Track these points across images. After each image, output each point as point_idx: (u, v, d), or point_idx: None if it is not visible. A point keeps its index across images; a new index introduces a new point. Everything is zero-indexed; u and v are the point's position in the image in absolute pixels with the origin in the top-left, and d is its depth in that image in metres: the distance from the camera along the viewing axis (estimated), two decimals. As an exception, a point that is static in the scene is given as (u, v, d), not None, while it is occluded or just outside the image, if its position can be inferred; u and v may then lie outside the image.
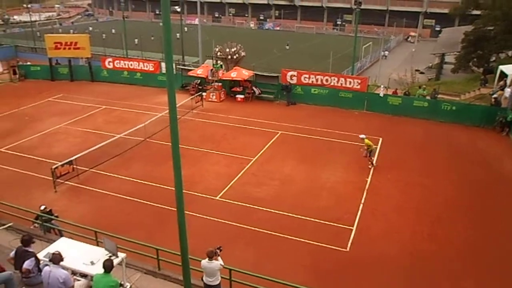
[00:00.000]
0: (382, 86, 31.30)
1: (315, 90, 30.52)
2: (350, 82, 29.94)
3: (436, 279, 13.01)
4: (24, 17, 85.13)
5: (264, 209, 16.77)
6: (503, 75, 31.10)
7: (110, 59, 37.29)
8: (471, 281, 12.98)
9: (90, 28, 77.82)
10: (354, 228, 15.57)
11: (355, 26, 40.68)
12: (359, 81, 29.90)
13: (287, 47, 66.64)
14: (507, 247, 14.64)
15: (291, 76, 31.04)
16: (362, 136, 20.33)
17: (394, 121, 27.46)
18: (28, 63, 40.64)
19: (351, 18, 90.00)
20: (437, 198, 17.77)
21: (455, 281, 13.00)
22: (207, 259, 10.03)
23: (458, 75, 44.37)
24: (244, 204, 17.10)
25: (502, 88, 29.62)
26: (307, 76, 30.95)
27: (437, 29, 79.60)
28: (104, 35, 62.63)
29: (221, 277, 10.39)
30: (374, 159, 20.93)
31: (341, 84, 30.05)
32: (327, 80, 30.45)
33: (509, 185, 19.29)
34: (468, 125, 26.38)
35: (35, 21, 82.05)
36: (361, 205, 17.15)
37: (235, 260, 12.26)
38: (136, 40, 57.00)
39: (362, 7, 41.55)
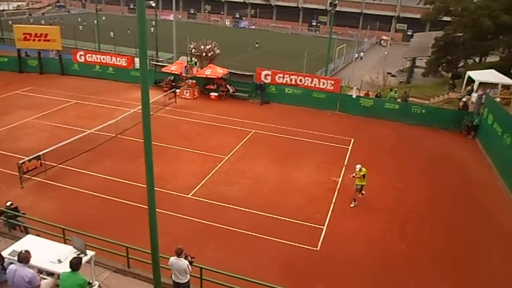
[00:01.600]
0: (354, 87, 31.81)
1: (289, 90, 30.72)
2: (323, 83, 30.27)
3: (404, 278, 13.32)
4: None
5: (236, 207, 16.78)
6: (471, 81, 32.11)
7: (82, 53, 36.49)
8: (438, 279, 13.35)
9: (62, 20, 75.88)
10: (325, 228, 15.76)
11: (330, 27, 41.13)
12: (332, 82, 30.27)
13: (257, 45, 66.97)
14: (474, 247, 15.15)
15: (266, 75, 31.14)
16: (358, 166, 17.10)
17: (365, 122, 27.94)
18: (-5, 53, 39.31)
19: (326, 19, 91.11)
20: (408, 199, 18.19)
21: (424, 279, 13.35)
22: (175, 256, 9.96)
23: (428, 79, 45.59)
24: (216, 203, 17.05)
25: (469, 93, 30.58)
26: (281, 75, 31.12)
27: (409, 33, 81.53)
28: (80, 27, 61.19)
29: (191, 276, 10.33)
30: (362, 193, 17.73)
31: (315, 84, 30.36)
32: (301, 80, 30.70)
33: (476, 186, 19.97)
34: (437, 128, 27.12)
35: (3, 10, 79.48)
36: (332, 205, 17.38)
37: (206, 258, 12.25)
38: (112, 33, 55.98)
39: (337, 9, 42.07)
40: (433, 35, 47.86)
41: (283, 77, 31.05)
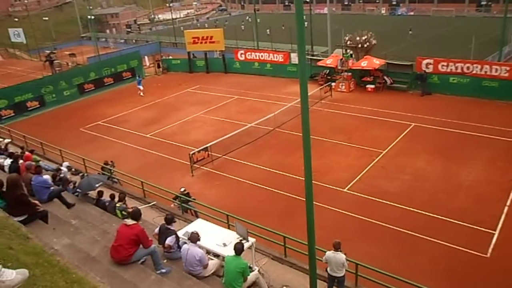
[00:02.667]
0: (536, 73, 27.51)
1: (453, 79, 28.05)
2: (496, 70, 26.85)
3: None
4: (167, 16, 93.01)
5: (394, 204, 15.99)
6: None
7: (242, 51, 38.91)
8: None
9: (226, 22, 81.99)
10: (496, 233, 14.00)
11: (505, 4, 36.22)
12: (508, 68, 26.61)
13: (410, 32, 62.47)
14: None
15: (427, 64, 28.97)
16: None
17: (550, 114, 23.95)
18: (170, 57, 44.51)
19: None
20: None
21: None
22: (332, 250, 9.91)
23: None
24: (373, 198, 16.51)
25: None
26: (445, 64, 28.59)
27: None
28: (243, 27, 64.95)
29: (347, 271, 10.18)
30: None
31: (485, 72, 27.11)
32: (468, 68, 27.76)
33: None
34: None
35: (176, 18, 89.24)
36: (506, 208, 15.34)
37: (362, 254, 11.94)
38: (268, 30, 58.48)
39: (514, -17, 36.86)
40: None
41: (447, 65, 28.48)
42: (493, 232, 14.08)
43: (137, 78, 35.17)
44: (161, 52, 51.35)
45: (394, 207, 15.85)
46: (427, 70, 28.83)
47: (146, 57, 44.56)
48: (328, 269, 10.17)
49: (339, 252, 9.90)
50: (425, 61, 29.10)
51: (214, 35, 38.82)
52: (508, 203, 15.65)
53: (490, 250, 13.27)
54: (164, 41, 64.13)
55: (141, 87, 33.96)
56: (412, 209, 15.60)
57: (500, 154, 19.41)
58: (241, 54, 38.47)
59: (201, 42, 38.74)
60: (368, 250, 13.30)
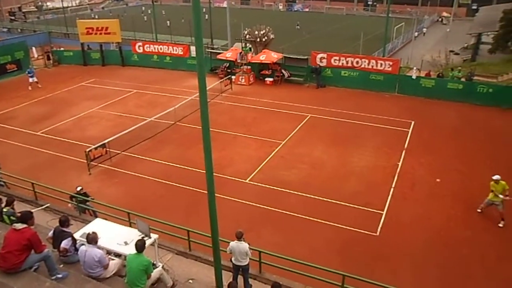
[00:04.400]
0: (414, 68, 30.48)
1: (345, 73, 30.03)
2: (381, 64, 29.28)
3: (470, 266, 12.77)
4: (57, 4, 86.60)
5: (294, 192, 16.77)
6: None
7: (140, 44, 37.64)
8: (507, 267, 12.66)
9: (125, 13, 78.56)
10: (384, 213, 15.41)
11: (387, 5, 39.51)
12: (391, 63, 29.19)
13: (298, 27, 65.98)
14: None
15: (321, 58, 30.61)
16: (496, 177, 14.46)
17: (427, 104, 26.73)
18: (62, 48, 41.54)
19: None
20: (473, 183, 17.27)
21: (491, 267, 12.72)
22: (236, 240, 10.12)
23: (495, 56, 42.70)
24: (274, 187, 17.13)
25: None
26: (337, 58, 30.46)
27: (474, 7, 76.53)
28: (145, 17, 62.48)
29: (250, 259, 10.48)
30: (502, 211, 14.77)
31: (372, 66, 29.45)
32: (357, 62, 29.90)
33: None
34: (505, 108, 25.44)
35: (67, 7, 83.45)
36: (392, 190, 16.92)
37: (265, 242, 12.38)
38: (168, 22, 57.22)
39: (395, -14, 40.22)
40: (501, 7, 44.63)
41: (339, 60, 30.37)
42: (381, 212, 15.44)
43: (29, 69, 32.16)
44: (51, 43, 47.66)
45: (293, 195, 16.61)
46: (321, 64, 30.45)
47: (34, 48, 40.96)
48: (233, 259, 10.36)
49: (242, 242, 10.13)
50: (319, 56, 30.69)
51: (109, 26, 36.96)
52: (393, 185, 17.25)
53: (379, 228, 14.53)
54: (54, 31, 59.53)
55: (35, 79, 31.16)
56: (309, 196, 16.49)
57: (386, 141, 21.31)
58: (139, 46, 37.21)
59: (96, 33, 36.67)
60: (271, 237, 13.81)
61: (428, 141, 21.32)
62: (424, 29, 63.14)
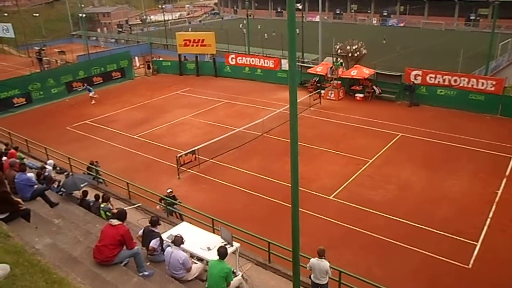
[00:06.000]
0: (521, 88, 28.00)
1: (441, 91, 28.42)
2: (482, 83, 27.26)
3: None
4: (159, 17, 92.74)
5: (379, 213, 16.12)
6: None
7: (233, 56, 38.93)
8: None
9: (223, 26, 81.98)
10: (479, 244, 14.19)
11: (493, 20, 36.91)
12: (494, 82, 27.06)
13: (384, 41, 63.65)
14: None
15: (415, 75, 29.29)
16: None
17: (534, 128, 24.34)
18: (161, 58, 44.34)
19: (487, 12, 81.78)
20: None
21: None
22: (317, 257, 9.92)
23: None
24: (358, 206, 16.61)
25: None
26: (433, 76, 28.94)
27: None
28: (244, 30, 64.91)
29: (330, 279, 10.20)
30: None
31: (472, 85, 27.51)
32: (455, 81, 28.14)
33: None
34: None
35: (168, 20, 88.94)
36: (489, 220, 15.56)
37: (345, 262, 12.00)
38: (266, 34, 58.44)
39: (502, -1, 37.50)
40: None
41: (435, 77, 28.83)
42: (475, 243, 14.25)
43: (88, 87, 33.74)
44: (152, 53, 51.13)
45: (378, 216, 15.96)
46: (415, 81, 29.12)
47: (136, 58, 44.32)
48: (312, 276, 10.19)
49: (323, 260, 9.93)
50: (413, 72, 29.41)
51: (205, 38, 38.81)
52: (491, 215, 15.86)
53: (472, 261, 13.42)
54: (155, 42, 63.87)
55: (93, 94, 32.86)
56: (396, 218, 15.73)
57: (484, 166, 19.70)
58: (232, 58, 38.52)
59: (193, 45, 38.73)
60: (352, 258, 13.36)
61: (534, 169, 19.39)
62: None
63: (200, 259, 9.80)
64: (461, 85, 27.91)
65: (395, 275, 12.65)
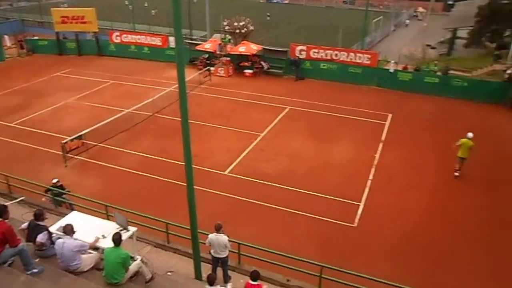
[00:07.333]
0: (392, 61, 30.80)
1: (324, 65, 30.17)
2: (359, 57, 29.53)
3: (445, 256, 13.05)
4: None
5: (273, 184, 16.84)
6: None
7: (118, 33, 37.00)
8: (481, 257, 13.02)
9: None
10: (362, 204, 15.63)
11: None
12: (369, 56, 29.48)
13: (268, 18, 66.22)
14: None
15: (300, 50, 30.66)
16: (470, 134, 17.11)
17: (404, 97, 27.11)
18: (36, 37, 40.40)
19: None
20: (449, 176, 17.63)
21: (465, 258, 13.04)
22: (215, 232, 10.12)
23: (470, 51, 43.58)
24: (253, 179, 17.18)
25: (516, 64, 29.09)
26: (316, 50, 30.57)
27: (450, 3, 77.63)
28: (130, 6, 61.51)
29: (230, 251, 10.50)
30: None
31: (351, 59, 29.67)
32: (336, 55, 30.07)
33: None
34: (479, 101, 25.99)
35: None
36: (369, 181, 17.16)
37: (243, 234, 12.40)
38: (153, 11, 56.14)
39: (374, -21, 40.46)
40: (476, 3, 45.44)
41: (318, 52, 30.50)
42: (359, 203, 15.67)
43: None
44: (25, 32, 46.38)
45: (272, 186, 16.69)
46: (300, 56, 30.49)
47: (6, 37, 39.76)
48: (212, 251, 10.36)
49: (221, 234, 10.12)
50: (298, 48, 30.73)
51: (85, 14, 36.14)
52: (371, 177, 17.51)
53: (356, 219, 14.76)
54: (28, 19, 58.03)
55: None
56: (288, 187, 16.60)
57: (364, 133, 21.58)
58: (117, 36, 36.57)
59: (71, 22, 35.83)
60: (250, 229, 13.82)
61: (405, 133, 21.69)
62: (407, 21, 64.31)
63: (96, 248, 9.43)
64: (341, 59, 29.91)
65: (291, 240, 13.41)
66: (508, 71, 27.96)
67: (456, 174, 17.45)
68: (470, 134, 17.06)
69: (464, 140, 16.99)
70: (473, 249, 13.39)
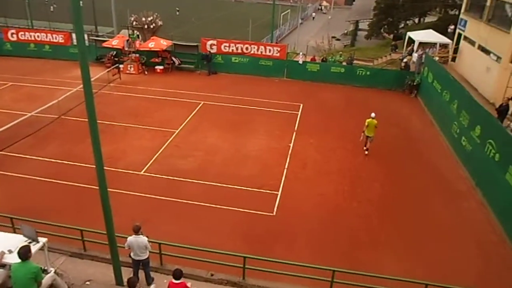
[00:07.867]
0: (300, 53, 32.00)
1: (235, 59, 30.46)
2: (269, 50, 30.24)
3: (358, 235, 13.91)
4: None
5: (191, 180, 16.72)
6: (411, 41, 33.16)
7: (13, 31, 34.21)
8: (388, 231, 14.06)
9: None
10: (279, 193, 16.06)
11: (273, -7, 40.72)
12: (279, 49, 30.29)
13: (177, 13, 65.94)
14: (420, 199, 16.04)
15: (211, 45, 30.64)
16: (373, 114, 18.71)
17: (313, 87, 28.31)
18: None
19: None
20: (357, 159, 18.84)
21: (374, 232, 14.02)
22: (134, 234, 9.85)
23: (371, 41, 46.60)
24: (170, 177, 16.90)
25: (410, 53, 31.62)
26: (227, 44, 30.74)
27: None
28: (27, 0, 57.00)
29: (150, 252, 10.30)
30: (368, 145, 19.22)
31: (261, 52, 30.27)
32: (247, 49, 30.48)
33: (420, 142, 21.05)
34: (381, 88, 28.00)
35: None
36: (285, 170, 17.70)
37: (163, 233, 12.23)
38: (52, 7, 52.60)
39: (279, -26, 41.56)
40: (374, -3, 48.59)
41: (229, 46, 30.69)
42: (277, 192, 16.07)
43: None
44: None
45: (190, 183, 16.56)
46: (211, 51, 30.48)
47: None
48: (132, 254, 10.08)
49: (140, 236, 9.89)
50: (209, 42, 30.69)
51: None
52: (286, 166, 18.06)
53: (275, 208, 15.12)
54: None
55: None
56: (207, 183, 16.56)
57: (278, 124, 22.21)
58: (12, 34, 33.79)
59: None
60: (169, 228, 13.62)
61: (316, 122, 22.67)
62: (313, 14, 66.81)
63: (2, 265, 8.75)
64: (252, 52, 30.40)
65: (213, 235, 13.40)
66: (405, 60, 30.36)
67: (366, 152, 19.07)
68: (373, 114, 18.61)
69: (369, 120, 18.52)
70: (382, 223, 14.41)
